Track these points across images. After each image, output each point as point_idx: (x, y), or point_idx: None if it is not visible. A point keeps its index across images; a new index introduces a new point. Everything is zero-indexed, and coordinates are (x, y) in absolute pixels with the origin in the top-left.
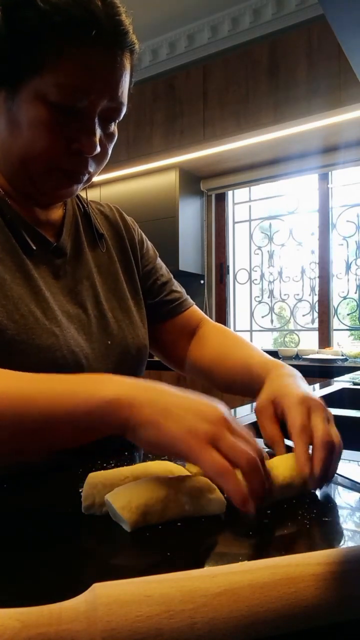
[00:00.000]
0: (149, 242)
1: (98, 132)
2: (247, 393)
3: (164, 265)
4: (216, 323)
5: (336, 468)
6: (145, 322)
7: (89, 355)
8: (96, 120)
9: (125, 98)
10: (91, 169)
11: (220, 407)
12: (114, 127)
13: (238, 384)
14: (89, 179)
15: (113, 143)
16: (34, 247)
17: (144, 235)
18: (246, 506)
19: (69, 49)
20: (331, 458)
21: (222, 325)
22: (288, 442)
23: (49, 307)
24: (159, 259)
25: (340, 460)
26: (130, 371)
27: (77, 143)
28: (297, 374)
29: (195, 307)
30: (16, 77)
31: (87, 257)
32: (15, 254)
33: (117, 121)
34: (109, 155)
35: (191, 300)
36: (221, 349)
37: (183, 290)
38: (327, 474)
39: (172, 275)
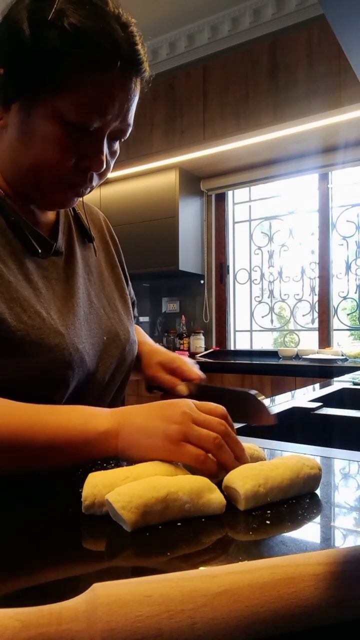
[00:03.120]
0: None
1: (105, 150)
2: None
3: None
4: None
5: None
6: (132, 321)
7: (90, 352)
8: (105, 139)
9: (132, 120)
10: (94, 184)
11: (180, 403)
12: (117, 145)
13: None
14: (90, 191)
15: (115, 159)
16: (39, 250)
17: None
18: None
19: (90, 72)
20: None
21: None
22: None
23: (51, 307)
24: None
25: (341, 460)
26: (126, 368)
27: (86, 160)
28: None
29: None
30: (35, 92)
31: (79, 256)
32: (16, 255)
33: (122, 140)
34: (110, 170)
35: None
36: None
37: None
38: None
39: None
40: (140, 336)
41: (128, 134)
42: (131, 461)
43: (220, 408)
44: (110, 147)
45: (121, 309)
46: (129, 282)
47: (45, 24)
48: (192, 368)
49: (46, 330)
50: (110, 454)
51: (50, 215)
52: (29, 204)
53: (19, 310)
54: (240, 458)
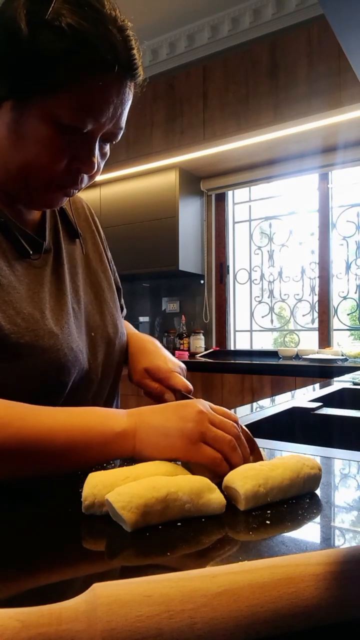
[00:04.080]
0: None
1: (97, 152)
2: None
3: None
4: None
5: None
6: (120, 313)
7: (83, 349)
8: (97, 142)
9: (124, 123)
10: (83, 185)
11: (196, 402)
12: (108, 147)
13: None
14: (78, 191)
15: (105, 160)
16: (31, 251)
17: None
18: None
19: (87, 76)
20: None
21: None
22: None
23: (45, 307)
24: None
25: (341, 460)
26: (117, 361)
27: (77, 162)
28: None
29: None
30: (29, 92)
31: (66, 252)
32: (6, 257)
33: (113, 142)
34: (100, 172)
35: (125, 311)
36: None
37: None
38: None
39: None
40: (128, 328)
41: (119, 137)
42: (148, 461)
43: (233, 414)
44: (101, 148)
45: (109, 300)
46: (114, 270)
47: (43, 24)
48: (181, 378)
49: (40, 332)
50: (127, 455)
51: (36, 212)
52: (15, 203)
53: (12, 313)
54: (246, 461)
